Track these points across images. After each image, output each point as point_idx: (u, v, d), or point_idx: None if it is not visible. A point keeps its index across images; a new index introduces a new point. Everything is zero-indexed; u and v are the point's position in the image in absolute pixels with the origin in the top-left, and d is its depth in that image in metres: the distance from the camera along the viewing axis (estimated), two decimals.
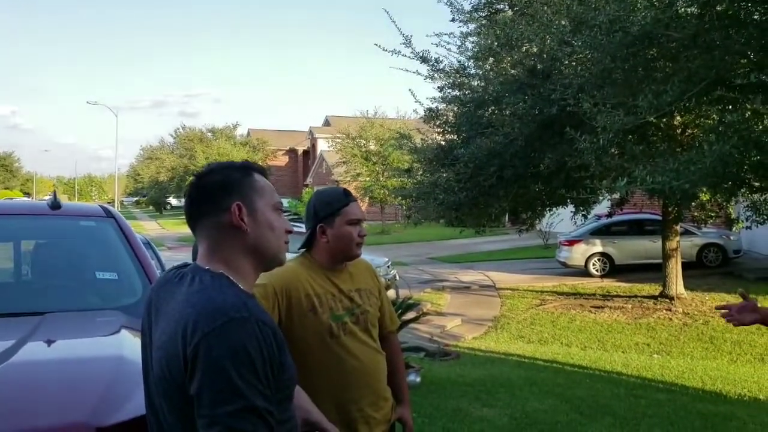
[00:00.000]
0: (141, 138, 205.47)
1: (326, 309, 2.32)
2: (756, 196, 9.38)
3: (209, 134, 50.62)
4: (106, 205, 3.84)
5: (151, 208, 59.76)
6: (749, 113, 6.38)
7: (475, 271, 19.64)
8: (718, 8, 6.42)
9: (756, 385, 8.59)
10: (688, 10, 6.76)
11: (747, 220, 10.07)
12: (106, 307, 3.10)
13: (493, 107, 10.60)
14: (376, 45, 10.71)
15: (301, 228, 2.59)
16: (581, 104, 6.67)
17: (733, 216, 14.55)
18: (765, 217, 10.19)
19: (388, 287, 14.50)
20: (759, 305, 2.38)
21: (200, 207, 1.55)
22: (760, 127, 6.08)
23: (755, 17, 6.64)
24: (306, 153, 52.71)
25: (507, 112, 10.14)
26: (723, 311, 2.44)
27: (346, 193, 2.44)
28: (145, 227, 37.60)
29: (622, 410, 6.57)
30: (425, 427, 5.54)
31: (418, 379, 7.56)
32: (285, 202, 38.71)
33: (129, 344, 2.46)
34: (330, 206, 2.38)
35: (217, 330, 1.35)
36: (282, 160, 53.42)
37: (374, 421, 2.38)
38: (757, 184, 6.56)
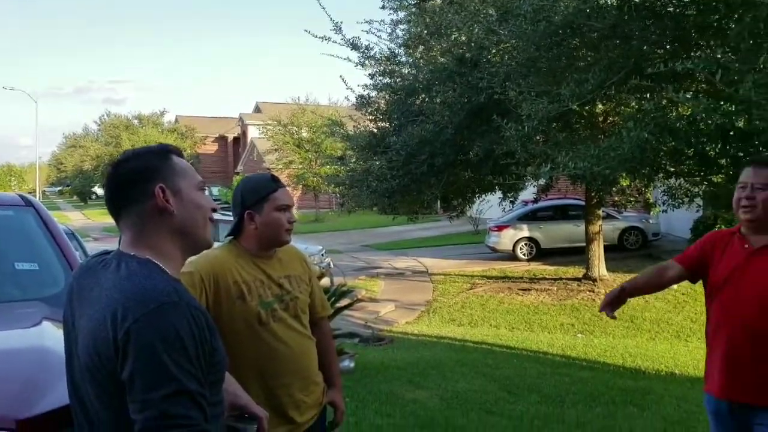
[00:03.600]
0: (64, 126, 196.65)
1: (255, 296, 2.32)
2: (672, 181, 9.85)
3: (135, 121, 49.05)
4: (25, 194, 3.70)
5: (75, 198, 57.48)
6: (665, 101, 6.68)
7: (408, 257, 19.86)
8: (636, 0, 6.69)
9: (672, 361, 9.08)
10: (609, 1, 7.01)
11: (664, 204, 10.57)
12: (26, 299, 3.00)
13: (423, 95, 10.71)
14: (306, 31, 10.63)
15: (230, 217, 2.58)
16: (507, 92, 6.83)
17: (651, 200, 15.20)
18: (680, 201, 10.72)
19: (322, 275, 14.43)
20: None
21: (122, 195, 1.53)
22: (674, 114, 6.37)
23: (669, 9, 6.96)
24: (236, 140, 51.77)
25: (437, 101, 10.27)
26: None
27: (274, 179, 2.43)
28: (70, 218, 36.19)
29: (548, 388, 6.84)
30: (358, 411, 5.60)
31: (352, 365, 7.63)
32: (215, 190, 37.91)
33: (51, 335, 2.40)
34: (258, 192, 2.37)
35: (148, 315, 1.34)
36: (212, 148, 52.30)
37: (305, 405, 2.41)
38: (672, 169, 6.90)
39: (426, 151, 10.14)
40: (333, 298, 8.03)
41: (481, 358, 8.85)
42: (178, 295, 1.41)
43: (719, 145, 6.17)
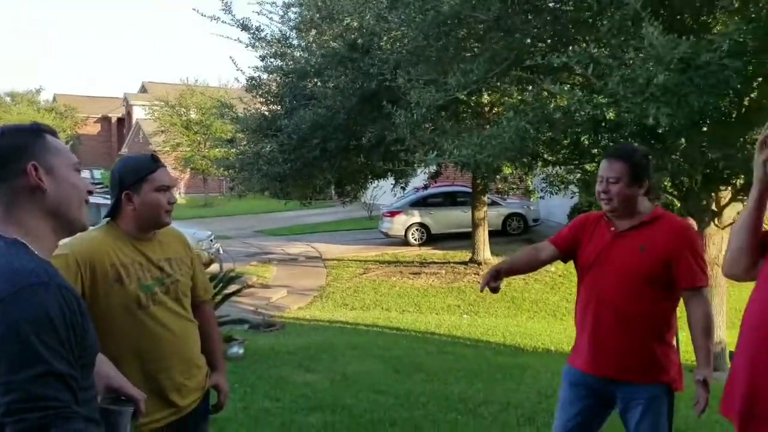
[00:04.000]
0: None
1: (134, 279, 2.27)
2: (549, 169, 10.42)
3: (8, 99, 45.63)
4: None
5: None
6: (544, 93, 7.03)
7: (302, 243, 19.79)
8: None
9: (549, 338, 9.64)
10: None
11: (542, 191, 11.15)
12: None
13: (315, 79, 10.68)
14: (195, 10, 10.30)
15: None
16: (397, 80, 6.95)
17: (531, 188, 15.99)
18: (557, 188, 11.36)
19: (211, 261, 14.22)
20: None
21: None
22: (552, 105, 6.71)
23: (550, 4, 7.32)
24: (120, 121, 49.32)
25: (330, 85, 10.27)
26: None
27: (154, 159, 2.37)
28: None
29: (433, 366, 7.08)
30: (247, 396, 5.57)
31: (242, 351, 7.54)
32: (97, 173, 35.90)
33: None
34: (136, 173, 2.31)
35: (15, 295, 1.31)
36: (94, 128, 49.58)
37: (186, 389, 2.39)
38: (549, 158, 7.29)
39: (318, 135, 10.14)
40: (220, 285, 7.91)
41: (372, 340, 9.02)
42: (49, 275, 1.37)
43: (592, 135, 6.58)
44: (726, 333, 7.17)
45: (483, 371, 6.94)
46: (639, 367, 2.62)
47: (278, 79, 11.88)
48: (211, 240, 14.37)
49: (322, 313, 12.05)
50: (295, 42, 11.91)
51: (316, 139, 10.16)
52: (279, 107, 11.96)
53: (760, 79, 5.81)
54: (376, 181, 14.39)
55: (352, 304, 13.07)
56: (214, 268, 13.19)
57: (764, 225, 2.08)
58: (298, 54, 11.79)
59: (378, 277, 14.87)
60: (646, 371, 2.62)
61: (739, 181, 6.53)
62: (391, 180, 12.98)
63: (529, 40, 7.31)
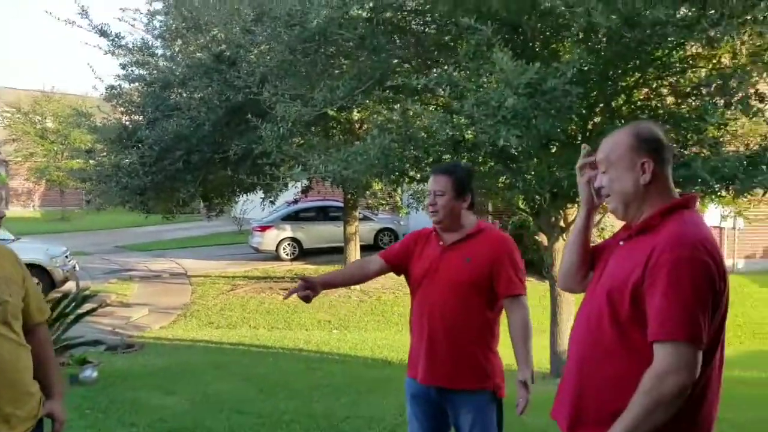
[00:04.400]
0: None
1: None
2: (416, 186, 10.69)
3: None
4: None
5: None
6: (410, 112, 7.22)
7: (166, 258, 19.01)
8: (386, 15, 7.15)
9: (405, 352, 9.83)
10: (360, 12, 7.38)
11: (410, 206, 11.42)
12: None
13: (180, 90, 10.34)
14: (47, 12, 9.67)
15: None
16: (262, 93, 6.89)
17: (400, 203, 16.35)
18: (424, 204, 11.66)
19: (66, 279, 13.29)
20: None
21: None
22: (417, 124, 6.89)
23: (414, 26, 7.55)
24: None
25: (196, 96, 9.99)
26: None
27: None
28: None
29: (299, 383, 7.02)
30: (99, 422, 5.26)
31: (95, 374, 7.10)
32: None
33: None
34: None
35: None
36: None
37: (16, 419, 2.22)
38: (415, 175, 7.47)
39: (182, 147, 9.81)
40: (74, 304, 7.43)
41: (236, 359, 8.80)
42: None
43: (452, 155, 6.82)
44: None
45: (349, 386, 6.96)
46: (468, 374, 2.77)
47: (140, 88, 11.39)
48: (66, 256, 13.46)
49: (186, 332, 11.60)
50: (159, 51, 11.49)
51: (179, 150, 9.82)
52: (141, 117, 11.45)
53: (602, 105, 6.30)
54: (245, 195, 14.11)
55: (218, 322, 12.69)
56: (70, 286, 12.36)
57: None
58: (162, 63, 11.37)
59: (246, 294, 14.56)
60: (473, 378, 2.77)
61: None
62: (260, 194, 12.78)
63: (395, 60, 7.49)
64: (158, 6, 12.08)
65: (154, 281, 16.23)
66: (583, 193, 2.15)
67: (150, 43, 11.38)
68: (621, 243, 2.03)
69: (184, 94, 10.42)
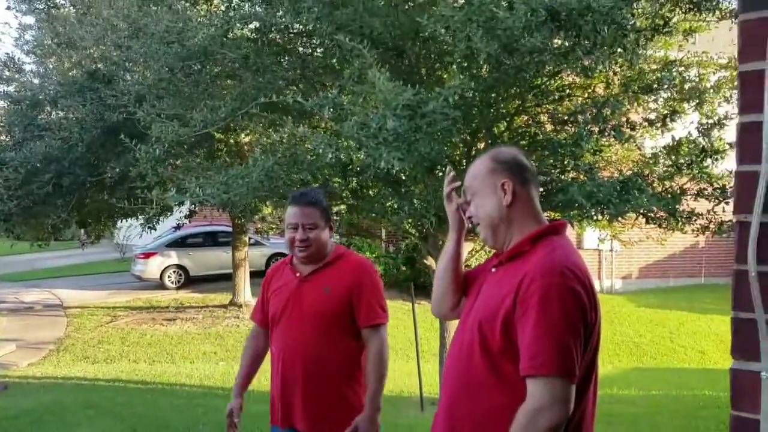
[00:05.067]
0: None
1: None
2: None
3: None
4: None
5: None
6: (295, 134, 7.05)
7: (40, 289, 17.68)
8: (270, 35, 6.98)
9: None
10: (244, 32, 7.17)
11: None
12: None
13: (51, 109, 9.66)
14: None
15: None
16: (137, 113, 6.52)
17: None
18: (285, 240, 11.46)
19: None
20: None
21: None
22: (303, 147, 6.73)
23: (300, 49, 7.42)
24: None
25: (70, 116, 9.37)
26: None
27: None
28: None
29: (179, 421, 6.58)
30: None
31: None
32: None
33: None
34: None
35: None
36: None
37: None
38: None
39: (52, 169, 9.13)
40: None
41: (111, 396, 8.18)
42: None
43: (340, 177, 6.71)
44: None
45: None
46: (333, 413, 2.58)
47: (6, 106, 10.56)
48: None
49: (57, 369, 10.73)
50: (29, 67, 10.73)
51: (48, 173, 9.11)
52: (6, 137, 10.60)
53: (484, 131, 6.40)
54: (126, 221, 13.36)
55: (94, 356, 11.84)
56: None
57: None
58: (34, 81, 10.62)
59: (127, 325, 13.72)
60: (339, 417, 2.57)
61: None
62: (141, 219, 12.11)
63: (281, 82, 7.32)
64: (30, 20, 11.32)
65: (25, 314, 15.02)
66: (452, 220, 2.06)
67: (18, 58, 10.60)
68: (493, 270, 1.95)
69: (56, 114, 9.74)
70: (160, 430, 6.25)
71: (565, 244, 1.87)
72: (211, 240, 17.94)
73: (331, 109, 5.06)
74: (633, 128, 6.14)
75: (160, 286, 17.04)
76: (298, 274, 2.67)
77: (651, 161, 6.27)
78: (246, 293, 14.76)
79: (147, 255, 17.16)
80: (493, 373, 1.76)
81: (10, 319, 14.45)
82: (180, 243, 17.43)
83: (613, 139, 5.95)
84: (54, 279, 19.28)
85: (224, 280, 16.45)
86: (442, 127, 4.46)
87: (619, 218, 5.50)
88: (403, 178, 6.16)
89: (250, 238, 15.50)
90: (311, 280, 2.65)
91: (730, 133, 6.19)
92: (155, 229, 11.10)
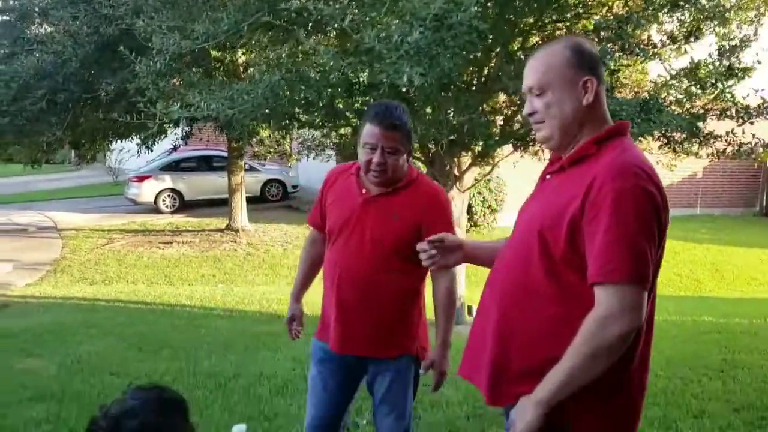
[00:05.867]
0: None
1: None
2: (306, 132, 10.31)
3: None
4: None
5: None
6: (300, 51, 6.76)
7: (33, 211, 17.50)
8: None
9: (305, 303, 9.56)
10: None
11: (299, 153, 11.01)
12: None
13: (40, 20, 9.23)
14: None
15: None
16: (136, 24, 6.20)
17: (289, 151, 15.79)
18: (314, 151, 11.32)
19: None
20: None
21: None
22: (309, 61, 6.47)
23: None
24: None
25: (61, 28, 8.96)
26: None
27: None
28: None
29: (181, 341, 6.56)
30: None
31: None
32: None
33: None
34: None
35: None
36: None
37: None
38: (306, 119, 7.08)
39: (45, 85, 8.79)
40: None
41: (111, 317, 8.16)
42: None
43: (345, 98, 6.48)
44: (465, 289, 7.65)
45: (236, 342, 6.59)
46: (388, 341, 2.46)
47: None
48: None
49: (56, 290, 10.70)
50: None
51: (41, 89, 8.77)
52: None
53: (498, 48, 6.15)
54: (119, 142, 13.07)
55: (92, 278, 11.81)
56: None
57: None
58: None
59: (123, 248, 13.65)
60: (394, 345, 2.47)
61: (477, 148, 6.92)
62: (136, 141, 11.82)
63: None
64: None
65: (19, 235, 14.90)
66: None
67: None
68: (548, 177, 1.82)
69: (46, 28, 9.32)
70: (164, 349, 6.22)
71: (632, 145, 1.74)
72: (205, 164, 17.72)
73: (348, 18, 4.76)
74: (655, 46, 5.90)
75: (155, 210, 16.91)
76: (364, 191, 2.43)
77: (669, 83, 6.07)
78: (243, 218, 14.67)
79: (141, 178, 16.95)
80: (554, 283, 1.66)
81: (4, 240, 14.34)
82: (174, 167, 17.19)
83: (636, 57, 5.73)
84: (47, 201, 19.08)
85: (219, 205, 16.34)
86: (465, 40, 4.24)
87: (640, 138, 5.33)
88: (413, 97, 5.95)
89: (245, 164, 15.29)
90: (379, 202, 2.41)
91: (748, 57, 6.01)
92: (152, 150, 10.87)
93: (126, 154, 17.22)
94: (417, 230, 2.36)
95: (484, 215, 14.22)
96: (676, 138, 5.76)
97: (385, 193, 2.42)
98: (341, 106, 6.83)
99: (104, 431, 1.14)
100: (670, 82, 6.13)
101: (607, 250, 1.54)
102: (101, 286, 11.27)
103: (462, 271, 7.37)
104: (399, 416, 2.50)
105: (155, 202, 16.92)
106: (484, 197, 14.09)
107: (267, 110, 5.87)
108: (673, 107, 5.67)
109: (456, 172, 7.04)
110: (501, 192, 14.32)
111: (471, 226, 13.25)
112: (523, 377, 1.68)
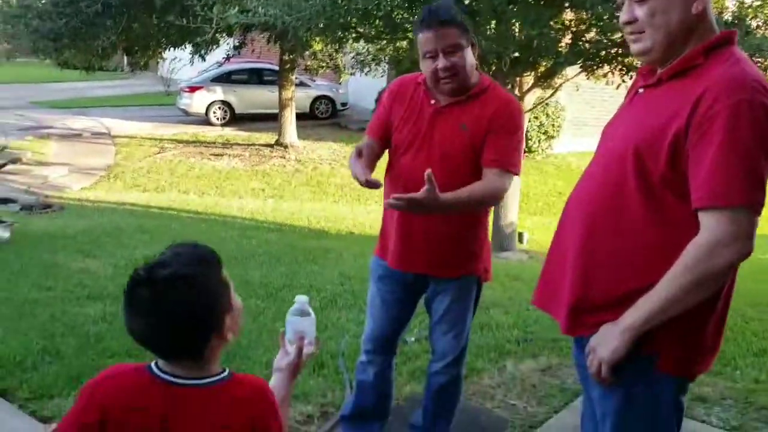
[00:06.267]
0: None
1: None
2: (360, 46, 10.04)
3: None
4: None
5: None
6: None
7: (88, 117, 17.78)
8: None
9: (352, 222, 9.60)
10: None
11: (352, 68, 10.77)
12: None
13: None
14: None
15: None
16: None
17: (341, 66, 15.49)
18: (368, 66, 11.06)
19: None
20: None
21: None
22: None
23: None
24: None
25: None
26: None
27: None
28: None
29: (234, 251, 6.64)
30: (11, 284, 4.81)
31: (7, 234, 6.57)
32: None
33: None
34: None
35: None
36: None
37: None
38: (362, 31, 6.85)
39: None
40: None
41: (165, 223, 8.31)
42: None
43: (405, 9, 6.22)
44: (517, 217, 7.52)
45: (286, 255, 6.64)
46: (450, 260, 2.33)
47: None
48: None
49: (110, 195, 10.95)
50: None
51: None
52: None
53: None
54: (172, 50, 12.97)
55: (144, 185, 12.03)
56: None
57: None
58: None
59: (175, 158, 13.82)
60: (457, 264, 2.34)
61: (542, 68, 6.62)
62: (189, 49, 11.69)
63: None
64: None
65: (75, 140, 15.21)
66: None
67: None
68: (641, 91, 1.63)
69: None
70: None
71: (743, 56, 1.54)
72: (256, 77, 17.58)
73: None
74: None
75: (206, 121, 16.98)
76: (433, 102, 2.27)
77: (755, 5, 5.62)
78: (292, 134, 14.62)
79: (192, 89, 16.96)
80: (650, 207, 1.51)
81: (60, 144, 14.66)
82: (225, 78, 17.12)
83: None
84: (101, 108, 19.33)
85: (268, 120, 16.28)
86: None
87: None
88: (479, 9, 5.64)
89: (296, 78, 15.09)
90: (448, 112, 2.25)
91: None
92: (204, 60, 10.75)
93: (178, 63, 17.12)
94: (485, 138, 2.21)
95: (539, 141, 13.85)
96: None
97: (455, 103, 2.26)
98: (399, 19, 6.57)
99: (141, 278, 1.22)
100: (755, 5, 5.68)
101: (718, 171, 1.39)
102: (153, 193, 11.48)
103: (515, 197, 7.21)
104: (457, 335, 2.44)
105: (206, 113, 16.97)
106: (541, 122, 13.67)
107: (324, 20, 5.68)
108: (761, 30, 5.25)
109: (517, 92, 6.76)
110: (559, 118, 13.86)
111: (526, 151, 12.94)
112: (606, 306, 1.56)
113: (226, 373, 1.31)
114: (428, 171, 1.93)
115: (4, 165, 7.26)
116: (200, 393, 1.27)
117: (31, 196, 9.59)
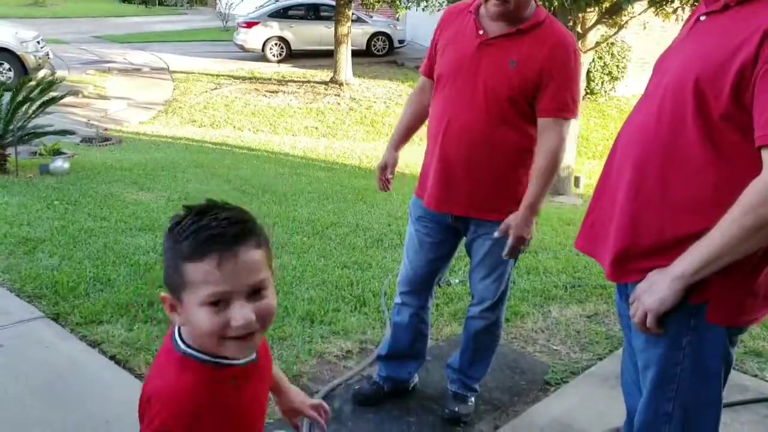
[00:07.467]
0: None
1: None
2: None
3: None
4: None
5: None
6: None
7: (147, 52, 17.95)
8: None
9: (404, 162, 9.44)
10: None
11: (408, 1, 10.46)
12: None
13: None
14: None
15: None
16: None
17: (398, 1, 15.09)
18: (424, 1, 10.73)
19: (40, 66, 12.47)
20: None
21: None
22: None
23: None
24: None
25: None
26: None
27: None
28: None
29: (283, 188, 6.68)
30: (68, 214, 4.93)
31: (67, 165, 6.74)
32: None
33: None
34: None
35: None
36: None
37: None
38: None
39: None
40: (40, 88, 6.82)
41: (218, 158, 8.41)
42: None
43: None
44: (575, 160, 7.28)
45: (335, 194, 6.64)
46: (491, 202, 2.21)
47: None
48: (39, 42, 12.52)
49: (166, 129, 11.12)
50: None
51: None
52: None
53: None
54: None
55: (200, 120, 12.17)
56: (44, 73, 11.60)
57: None
58: None
59: (231, 94, 13.88)
60: (498, 207, 2.20)
61: (606, 4, 6.26)
62: None
63: None
64: None
65: (134, 74, 15.42)
66: None
67: None
68: (702, 18, 1.47)
69: None
70: (266, 194, 6.35)
71: None
72: (313, 13, 17.33)
73: None
74: None
75: (262, 58, 16.93)
76: (481, 32, 2.12)
77: None
78: (347, 71, 14.44)
79: (249, 24, 16.86)
80: (710, 145, 1.38)
81: (121, 78, 14.88)
82: (282, 14, 16.95)
83: None
84: (159, 43, 19.48)
85: (324, 56, 16.12)
86: None
87: None
88: None
89: (353, 14, 14.80)
90: (497, 44, 2.10)
91: None
92: None
93: None
94: (537, 79, 2.07)
95: (602, 82, 13.28)
96: None
97: (505, 35, 2.10)
98: None
99: (180, 218, 1.14)
100: None
101: None
102: (209, 129, 11.60)
103: (573, 139, 6.97)
104: (496, 280, 2.35)
105: (263, 49, 16.90)
106: (605, 62, 13.08)
107: None
108: None
109: (579, 29, 6.44)
110: (624, 58, 13.22)
111: (587, 93, 12.44)
112: (655, 252, 1.45)
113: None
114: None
115: (62, 97, 7.37)
116: None
117: (90, 128, 9.81)
